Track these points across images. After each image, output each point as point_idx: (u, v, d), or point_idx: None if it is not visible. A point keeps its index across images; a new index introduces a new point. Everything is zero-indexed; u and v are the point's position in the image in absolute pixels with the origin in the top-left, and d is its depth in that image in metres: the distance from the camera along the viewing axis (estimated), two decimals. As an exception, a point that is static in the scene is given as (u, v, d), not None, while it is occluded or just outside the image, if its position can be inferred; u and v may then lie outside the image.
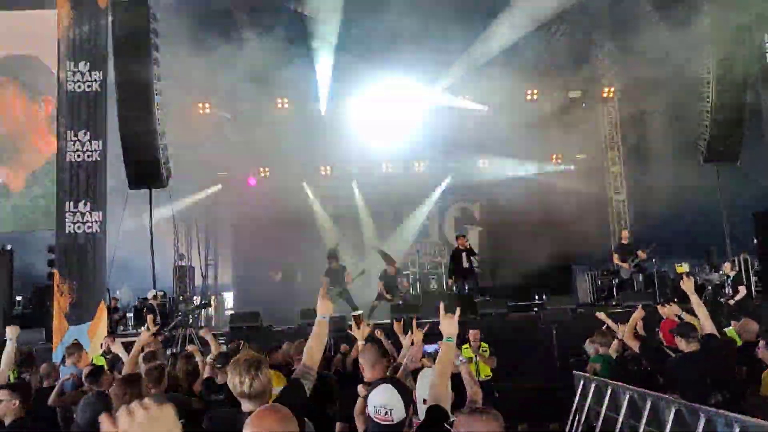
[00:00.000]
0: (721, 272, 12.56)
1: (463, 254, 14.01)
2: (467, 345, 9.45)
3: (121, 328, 14.51)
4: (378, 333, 6.49)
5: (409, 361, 4.39)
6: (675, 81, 13.99)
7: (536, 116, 16.62)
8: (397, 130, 16.72)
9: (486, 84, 15.94)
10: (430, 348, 4.77)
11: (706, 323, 5.69)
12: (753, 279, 12.94)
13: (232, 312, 15.52)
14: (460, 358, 4.20)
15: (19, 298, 14.44)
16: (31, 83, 13.19)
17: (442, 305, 4.02)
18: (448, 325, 3.73)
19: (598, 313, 7.84)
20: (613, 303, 13.60)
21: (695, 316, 5.95)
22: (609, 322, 7.39)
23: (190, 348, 7.82)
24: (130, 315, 14.89)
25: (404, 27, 14.02)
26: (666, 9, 13.98)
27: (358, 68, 15.54)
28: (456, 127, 16.89)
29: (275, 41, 14.36)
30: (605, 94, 17.55)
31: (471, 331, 9.47)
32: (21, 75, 13.16)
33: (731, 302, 11.47)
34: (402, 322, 6.56)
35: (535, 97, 17.10)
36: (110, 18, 12.10)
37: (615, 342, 7.54)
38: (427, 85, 16.50)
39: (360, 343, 5.39)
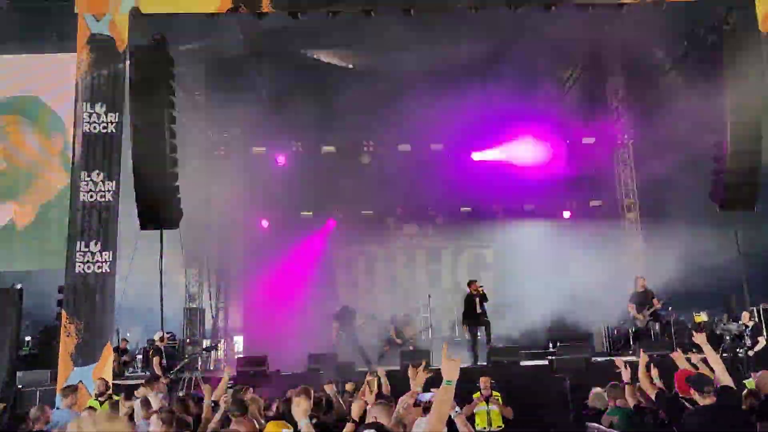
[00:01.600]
0: (740, 322, 12.22)
1: (476, 299, 13.81)
2: (478, 393, 9.22)
3: (130, 369, 14.41)
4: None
5: (401, 407, 4.23)
6: (690, 128, 13.89)
7: (551, 162, 16.62)
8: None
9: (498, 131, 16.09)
10: (425, 396, 4.61)
11: (721, 375, 5.47)
12: (772, 329, 12.55)
13: (240, 356, 15.35)
14: (456, 409, 4.04)
15: (27, 338, 14.40)
16: (39, 121, 13.37)
17: (445, 346, 3.88)
18: (449, 368, 3.61)
19: (616, 359, 7.59)
20: (630, 352, 13.27)
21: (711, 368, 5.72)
22: (624, 370, 7.12)
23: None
24: (139, 357, 14.81)
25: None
26: (680, 57, 13.97)
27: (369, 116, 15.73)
28: (470, 175, 16.92)
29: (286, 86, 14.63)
30: (620, 141, 17.50)
31: (482, 379, 9.24)
32: (29, 113, 13.33)
33: (750, 353, 11.13)
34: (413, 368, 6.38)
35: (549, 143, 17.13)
36: (128, 61, 12.33)
37: (628, 388, 7.21)
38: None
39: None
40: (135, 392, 7.55)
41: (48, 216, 12.84)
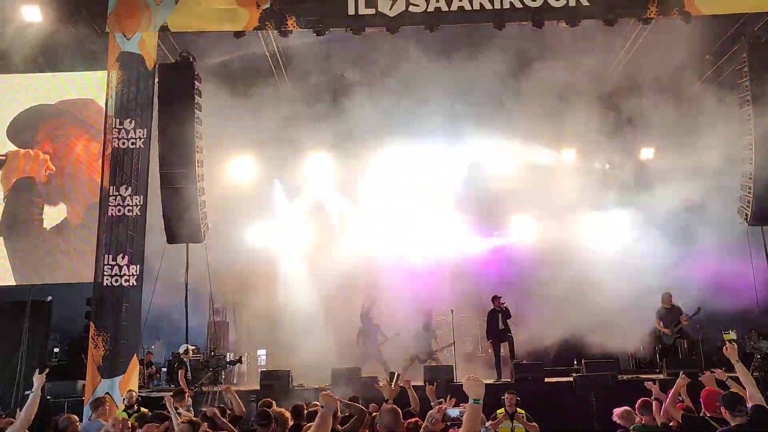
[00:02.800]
0: (770, 340, 11.98)
1: (499, 315, 13.76)
2: (502, 409, 9.15)
3: (155, 382, 14.54)
4: (406, 383, 6.30)
5: (429, 422, 4.24)
6: (718, 142, 13.76)
7: (574, 178, 16.48)
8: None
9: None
10: (453, 412, 4.61)
11: (754, 393, 5.36)
12: (804, 347, 12.28)
13: (261, 370, 15.38)
14: (486, 424, 4.04)
15: (56, 349, 14.61)
16: (88, 122, 13.88)
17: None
18: (471, 386, 3.63)
19: (647, 383, 7.44)
20: (656, 370, 13.07)
21: (742, 385, 5.62)
22: (656, 391, 6.99)
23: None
24: (164, 369, 14.92)
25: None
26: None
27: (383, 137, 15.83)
28: (491, 191, 16.85)
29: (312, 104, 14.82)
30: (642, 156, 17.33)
31: (507, 395, 9.17)
32: (79, 114, 13.87)
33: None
34: (434, 386, 6.39)
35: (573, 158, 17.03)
36: (156, 78, 12.59)
37: (655, 404, 7.07)
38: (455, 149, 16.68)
39: (388, 403, 5.23)
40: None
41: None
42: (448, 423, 4.43)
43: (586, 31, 13.15)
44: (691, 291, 13.78)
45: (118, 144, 12.28)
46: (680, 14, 12.41)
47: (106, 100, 12.48)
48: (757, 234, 13.35)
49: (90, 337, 11.48)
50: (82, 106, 14.00)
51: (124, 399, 8.86)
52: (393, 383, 5.33)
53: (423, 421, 4.71)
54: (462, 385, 3.56)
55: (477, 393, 3.59)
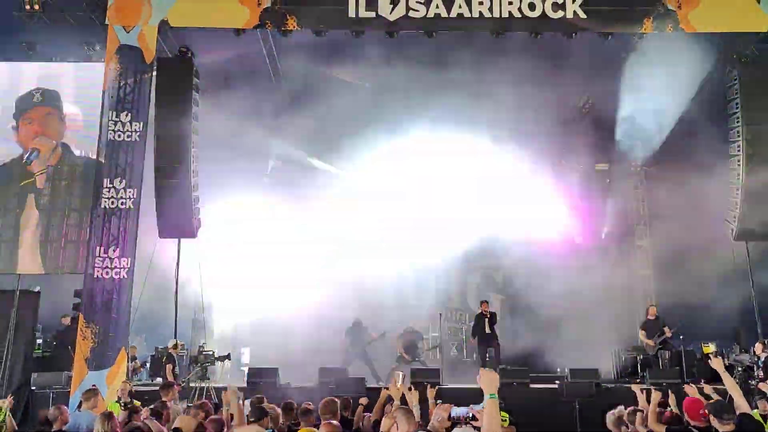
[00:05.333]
0: (752, 353, 12.21)
1: (486, 320, 13.89)
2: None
3: (137, 376, 14.45)
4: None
5: (436, 420, 4.32)
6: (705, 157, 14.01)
7: (562, 187, 16.69)
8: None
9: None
10: (459, 410, 4.67)
11: (741, 403, 5.51)
12: (785, 361, 12.53)
13: (249, 367, 15.35)
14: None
15: (39, 341, 14.48)
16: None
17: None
18: (487, 380, 3.42)
19: (634, 386, 7.58)
20: (637, 380, 13.25)
21: (723, 396, 5.76)
22: (640, 397, 7.13)
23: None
24: (147, 364, 14.83)
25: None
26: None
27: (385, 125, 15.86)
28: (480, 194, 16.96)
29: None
30: (632, 168, 17.59)
31: None
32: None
33: (762, 385, 11.08)
34: (435, 388, 6.46)
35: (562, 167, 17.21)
36: (154, 72, 12.59)
37: (639, 416, 7.21)
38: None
39: (396, 402, 5.31)
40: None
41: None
42: (455, 421, 4.51)
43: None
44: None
45: (113, 136, 12.26)
46: (675, 30, 12.67)
47: (103, 92, 12.45)
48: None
49: (78, 329, 11.45)
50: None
51: (118, 390, 8.85)
52: (400, 383, 5.40)
53: None
54: (449, 388, 3.54)
55: (492, 387, 3.41)
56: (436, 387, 6.59)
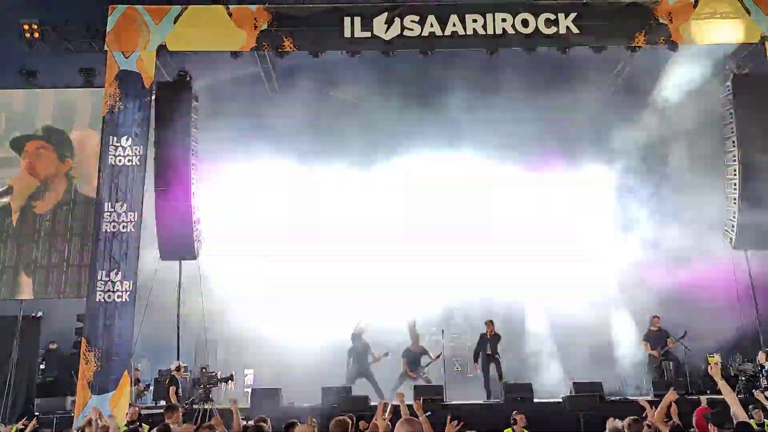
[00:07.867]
0: (755, 362, 12.17)
1: (488, 343, 13.81)
2: (510, 429, 9.32)
3: (141, 399, 14.41)
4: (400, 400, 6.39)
5: None
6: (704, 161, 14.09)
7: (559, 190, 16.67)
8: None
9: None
10: None
11: (737, 411, 5.52)
12: (789, 370, 12.48)
13: (252, 388, 15.31)
14: None
15: (42, 366, 14.48)
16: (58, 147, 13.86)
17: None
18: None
19: (638, 399, 7.59)
20: (641, 393, 13.19)
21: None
22: (648, 409, 7.13)
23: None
24: (151, 387, 14.78)
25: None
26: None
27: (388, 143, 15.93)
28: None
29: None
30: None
31: (519, 416, 9.38)
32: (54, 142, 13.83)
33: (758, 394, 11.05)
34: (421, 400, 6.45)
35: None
36: (153, 96, 12.73)
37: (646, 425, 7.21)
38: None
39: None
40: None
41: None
42: None
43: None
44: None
45: (114, 161, 12.39)
46: (667, 43, 12.81)
47: (103, 117, 12.60)
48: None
49: (81, 353, 11.47)
50: (60, 133, 13.94)
51: (127, 415, 8.86)
52: (386, 414, 5.33)
53: None
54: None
55: None
56: (421, 398, 6.58)
